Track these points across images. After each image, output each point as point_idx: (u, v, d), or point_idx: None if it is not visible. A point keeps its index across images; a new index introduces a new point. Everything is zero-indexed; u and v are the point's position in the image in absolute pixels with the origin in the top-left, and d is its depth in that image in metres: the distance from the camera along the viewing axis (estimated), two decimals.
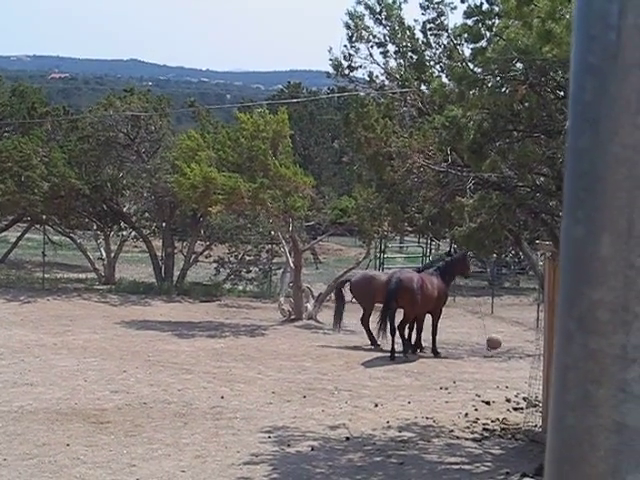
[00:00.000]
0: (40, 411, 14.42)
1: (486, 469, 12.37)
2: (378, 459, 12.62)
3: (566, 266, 1.35)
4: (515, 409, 15.57)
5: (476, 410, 15.51)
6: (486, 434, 14.12)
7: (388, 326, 20.18)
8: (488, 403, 15.99)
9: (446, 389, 17.15)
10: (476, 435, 14.04)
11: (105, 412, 14.54)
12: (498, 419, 14.97)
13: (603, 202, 1.29)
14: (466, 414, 15.21)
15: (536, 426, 14.02)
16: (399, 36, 16.37)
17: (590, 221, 1.30)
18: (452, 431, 14.21)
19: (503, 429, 14.43)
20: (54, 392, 15.77)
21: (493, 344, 21.60)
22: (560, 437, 1.34)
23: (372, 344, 21.66)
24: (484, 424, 14.66)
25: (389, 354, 20.12)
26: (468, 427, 14.48)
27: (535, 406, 14.46)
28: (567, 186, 1.35)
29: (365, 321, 22.29)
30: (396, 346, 20.15)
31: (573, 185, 1.34)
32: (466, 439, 13.81)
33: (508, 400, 16.20)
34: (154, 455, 12.35)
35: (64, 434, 13.17)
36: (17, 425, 13.56)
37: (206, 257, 33.20)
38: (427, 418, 14.94)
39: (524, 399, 15.32)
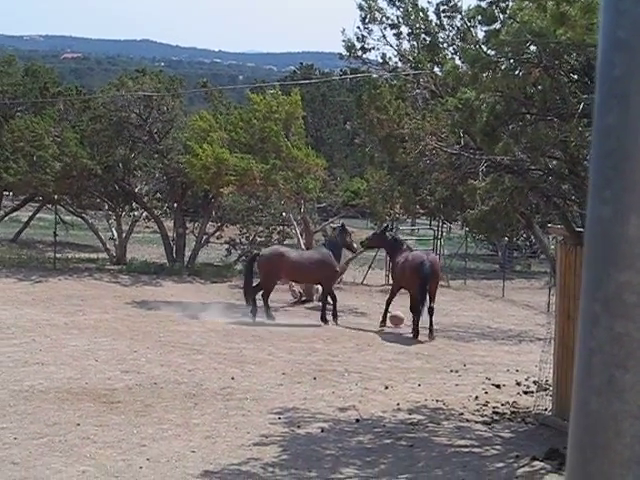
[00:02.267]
0: (51, 390, 14.46)
1: (496, 452, 12.36)
2: (388, 441, 12.63)
3: (592, 247, 1.31)
4: (525, 392, 15.55)
5: (486, 393, 15.50)
6: (496, 417, 14.11)
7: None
8: (498, 386, 15.99)
9: (456, 372, 17.14)
10: (486, 418, 14.03)
11: (115, 392, 14.58)
12: (508, 402, 14.96)
13: (632, 181, 1.25)
14: (476, 397, 15.21)
15: (546, 410, 14.00)
16: (412, 18, 16.29)
17: (618, 201, 1.26)
18: (462, 414, 14.21)
19: (513, 412, 14.42)
20: (65, 372, 15.81)
21: (395, 321, 21.90)
22: (584, 422, 1.31)
23: (268, 318, 22.11)
24: (494, 407, 14.65)
25: (412, 333, 20.46)
26: (478, 410, 14.48)
27: (545, 390, 14.44)
28: (593, 165, 1.31)
29: (265, 296, 22.63)
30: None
31: (600, 164, 1.30)
32: (476, 422, 13.80)
33: (518, 383, 16.19)
34: (164, 435, 12.38)
35: (74, 414, 13.21)
36: (28, 404, 13.60)
37: (217, 238, 33.22)
38: (437, 401, 14.94)
39: (534, 383, 15.30)
